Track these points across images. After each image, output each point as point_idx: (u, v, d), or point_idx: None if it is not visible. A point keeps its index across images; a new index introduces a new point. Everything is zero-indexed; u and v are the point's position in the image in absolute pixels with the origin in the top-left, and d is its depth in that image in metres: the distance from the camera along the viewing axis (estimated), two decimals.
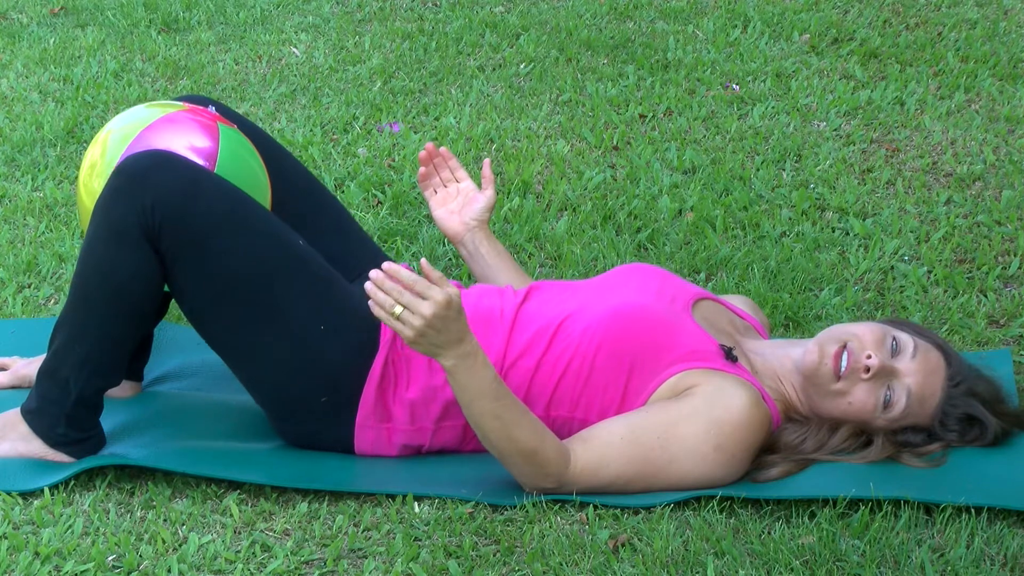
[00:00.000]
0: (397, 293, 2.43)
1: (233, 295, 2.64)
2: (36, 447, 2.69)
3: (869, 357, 2.63)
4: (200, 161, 2.70)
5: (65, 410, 2.66)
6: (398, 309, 2.42)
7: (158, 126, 2.74)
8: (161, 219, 2.57)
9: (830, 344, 2.66)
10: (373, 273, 2.44)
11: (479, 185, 3.07)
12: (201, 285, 2.63)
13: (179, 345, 3.11)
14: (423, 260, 2.44)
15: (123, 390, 2.95)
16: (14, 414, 2.72)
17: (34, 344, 3.09)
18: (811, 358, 2.66)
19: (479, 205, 3.04)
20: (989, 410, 2.68)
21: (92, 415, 2.71)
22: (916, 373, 2.65)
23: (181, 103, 2.84)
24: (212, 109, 2.85)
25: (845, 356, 2.64)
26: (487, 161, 3.05)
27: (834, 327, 2.73)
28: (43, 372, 2.68)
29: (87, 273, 2.63)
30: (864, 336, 2.66)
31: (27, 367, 2.99)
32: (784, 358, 2.72)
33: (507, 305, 2.74)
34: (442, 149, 3.07)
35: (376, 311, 2.44)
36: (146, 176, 2.59)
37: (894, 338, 2.67)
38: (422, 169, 3.06)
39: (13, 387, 2.98)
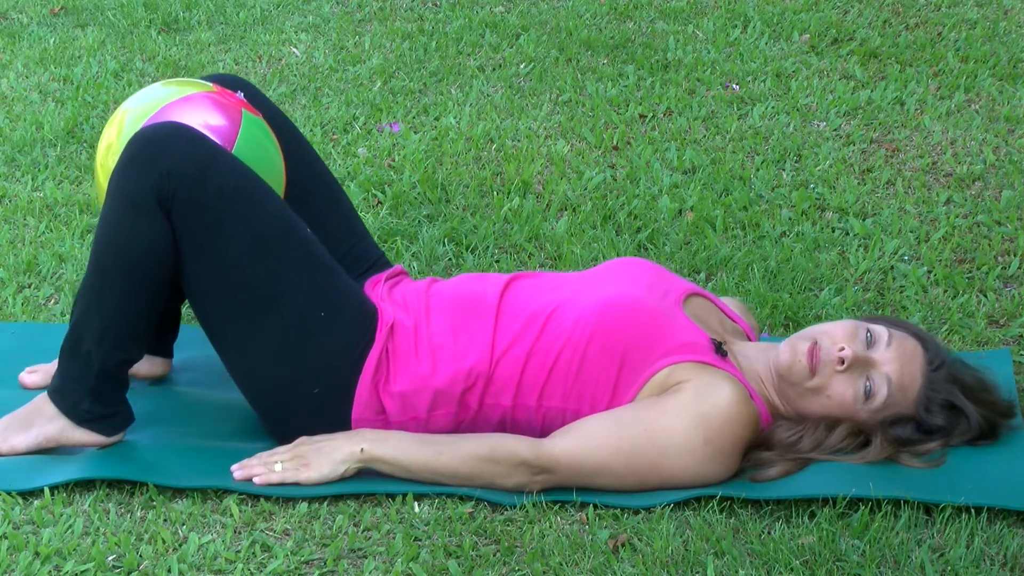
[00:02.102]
0: (262, 460, 2.63)
1: (237, 274, 2.63)
2: (63, 425, 2.68)
3: (842, 350, 2.63)
4: (215, 139, 2.69)
5: (89, 385, 2.65)
6: (278, 466, 2.60)
7: (175, 106, 2.73)
8: (175, 187, 2.57)
9: (801, 342, 2.67)
10: (237, 473, 2.62)
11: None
12: (206, 262, 2.62)
13: (181, 343, 3.11)
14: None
15: (154, 367, 2.94)
16: (41, 398, 2.71)
17: (34, 346, 3.08)
18: (784, 358, 2.67)
19: None
20: (971, 398, 2.67)
21: (117, 389, 2.69)
22: (893, 361, 2.65)
23: (209, 83, 2.83)
24: (240, 95, 2.84)
25: (816, 352, 2.64)
26: None
27: (807, 328, 2.74)
28: (65, 349, 2.67)
29: (103, 241, 2.62)
30: (835, 332, 2.67)
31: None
32: (767, 362, 2.73)
33: (491, 291, 2.74)
34: None
35: (268, 480, 2.61)
36: (163, 144, 2.59)
37: (868, 330, 2.68)
38: None
39: (45, 387, 2.96)
